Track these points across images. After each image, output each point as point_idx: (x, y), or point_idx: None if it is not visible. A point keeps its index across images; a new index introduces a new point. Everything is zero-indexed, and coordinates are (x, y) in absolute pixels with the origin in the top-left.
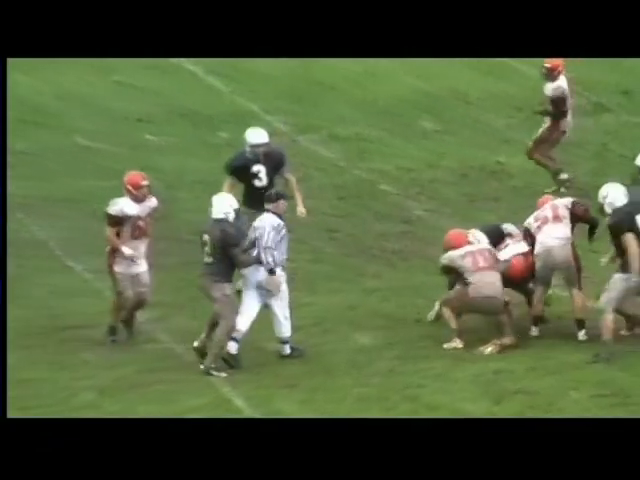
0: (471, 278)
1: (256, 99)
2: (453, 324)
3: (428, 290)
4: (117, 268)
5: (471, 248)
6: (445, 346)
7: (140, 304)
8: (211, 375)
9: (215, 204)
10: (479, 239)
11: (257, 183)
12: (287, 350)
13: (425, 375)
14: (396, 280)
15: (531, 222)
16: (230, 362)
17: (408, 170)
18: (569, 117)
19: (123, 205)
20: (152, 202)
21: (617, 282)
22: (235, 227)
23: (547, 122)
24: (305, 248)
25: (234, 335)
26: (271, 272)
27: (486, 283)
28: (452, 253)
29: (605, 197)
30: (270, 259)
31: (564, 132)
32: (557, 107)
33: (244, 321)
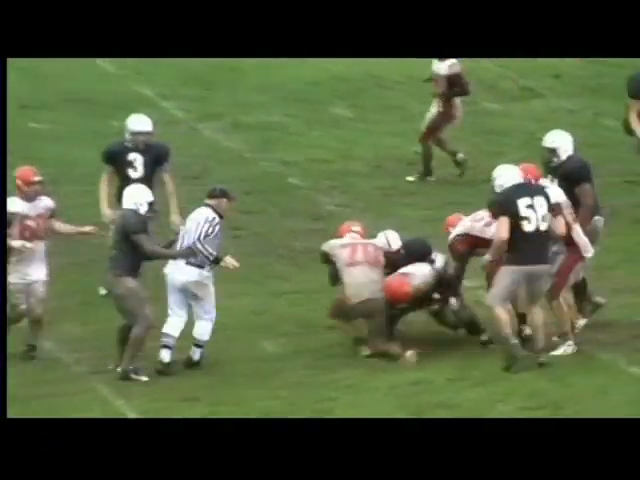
0: (345, 278)
1: (151, 84)
2: (351, 332)
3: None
4: (10, 278)
5: (355, 240)
6: (363, 353)
7: (35, 321)
8: (129, 379)
9: (127, 194)
10: (379, 237)
11: (131, 173)
12: (198, 355)
13: (337, 386)
14: (306, 282)
15: (472, 225)
16: (165, 372)
17: (318, 161)
18: (459, 100)
19: (8, 203)
20: (47, 202)
21: (502, 276)
22: (143, 218)
23: (437, 105)
24: None
25: (165, 342)
26: (216, 261)
27: (361, 283)
28: (333, 241)
29: (496, 178)
30: (209, 249)
31: (454, 116)
32: (453, 86)
33: (174, 326)
